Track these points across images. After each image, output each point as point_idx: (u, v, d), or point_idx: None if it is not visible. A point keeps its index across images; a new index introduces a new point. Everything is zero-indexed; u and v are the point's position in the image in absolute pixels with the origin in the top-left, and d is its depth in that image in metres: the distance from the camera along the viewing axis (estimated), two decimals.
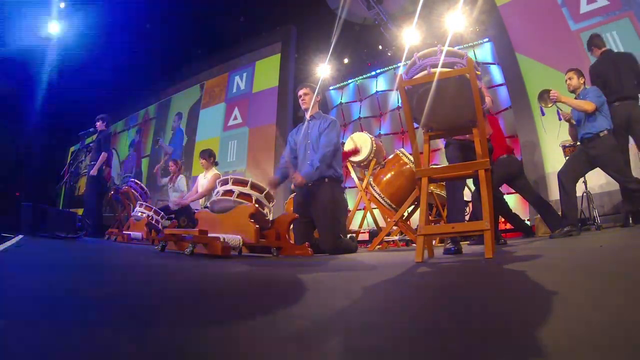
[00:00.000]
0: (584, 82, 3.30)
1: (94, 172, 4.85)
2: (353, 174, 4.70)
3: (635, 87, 3.46)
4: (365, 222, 5.13)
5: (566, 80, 3.34)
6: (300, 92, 3.15)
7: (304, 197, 2.96)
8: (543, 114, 3.51)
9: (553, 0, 5.39)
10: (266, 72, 8.49)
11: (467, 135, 2.28)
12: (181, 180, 5.25)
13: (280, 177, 3.03)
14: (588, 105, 3.08)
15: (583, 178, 3.70)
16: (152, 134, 10.88)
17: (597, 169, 3.19)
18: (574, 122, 3.34)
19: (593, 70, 3.67)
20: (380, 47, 8.53)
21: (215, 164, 4.84)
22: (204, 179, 4.69)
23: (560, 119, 3.39)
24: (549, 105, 3.30)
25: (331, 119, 3.08)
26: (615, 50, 4.09)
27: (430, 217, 4.14)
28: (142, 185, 5.58)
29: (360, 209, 5.00)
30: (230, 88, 9.08)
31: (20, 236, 3.11)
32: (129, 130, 11.88)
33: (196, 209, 4.67)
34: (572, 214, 3.10)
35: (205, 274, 1.35)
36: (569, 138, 3.72)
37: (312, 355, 0.45)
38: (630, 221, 3.37)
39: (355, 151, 4.43)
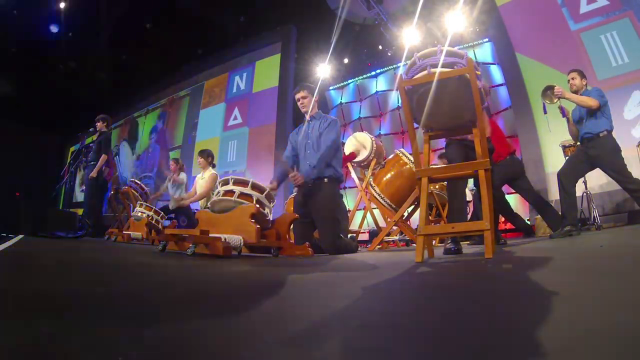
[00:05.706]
0: (586, 84, 3.30)
1: (93, 174, 4.86)
2: (353, 174, 4.71)
3: None
4: (365, 222, 5.13)
5: (569, 80, 3.32)
6: (298, 96, 3.07)
7: (304, 197, 2.95)
8: (545, 111, 3.49)
9: (553, 0, 5.40)
10: (266, 72, 8.48)
11: (468, 136, 2.28)
12: (182, 175, 5.12)
13: (278, 180, 3.00)
14: (592, 102, 3.06)
15: (583, 178, 3.70)
16: (184, 118, 9.09)
17: (598, 169, 3.19)
18: (572, 121, 3.33)
19: None
20: (380, 47, 8.52)
21: (213, 165, 4.84)
22: (202, 180, 4.68)
23: (563, 116, 3.37)
24: (554, 102, 3.27)
25: (331, 118, 3.07)
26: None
27: (430, 217, 4.14)
28: (142, 185, 5.57)
29: (360, 209, 5.00)
30: (230, 88, 9.07)
31: (21, 236, 3.11)
32: (146, 115, 10.05)
33: (196, 209, 4.66)
34: (572, 214, 3.10)
35: (206, 274, 1.35)
36: (569, 138, 3.72)
37: (312, 355, 0.45)
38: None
39: (353, 156, 4.46)
